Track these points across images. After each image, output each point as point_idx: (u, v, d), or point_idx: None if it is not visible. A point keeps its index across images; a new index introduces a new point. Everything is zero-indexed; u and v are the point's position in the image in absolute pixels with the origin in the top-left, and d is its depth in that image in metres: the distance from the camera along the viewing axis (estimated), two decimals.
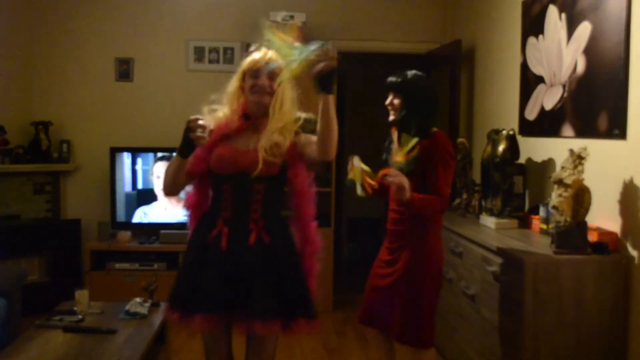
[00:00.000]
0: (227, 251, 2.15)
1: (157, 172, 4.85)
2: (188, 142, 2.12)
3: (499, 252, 2.82)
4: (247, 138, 2.23)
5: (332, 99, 2.01)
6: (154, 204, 4.83)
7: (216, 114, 2.33)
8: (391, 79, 2.66)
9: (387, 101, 2.67)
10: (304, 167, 2.26)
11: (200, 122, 2.07)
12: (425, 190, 2.49)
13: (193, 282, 2.17)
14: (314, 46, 1.94)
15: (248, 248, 2.14)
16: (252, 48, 2.29)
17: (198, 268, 2.18)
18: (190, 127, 2.08)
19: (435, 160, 2.50)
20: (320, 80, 1.96)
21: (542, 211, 3.15)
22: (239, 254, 2.14)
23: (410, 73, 2.64)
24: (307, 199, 2.26)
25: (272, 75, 2.20)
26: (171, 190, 2.27)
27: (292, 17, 4.70)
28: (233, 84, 2.32)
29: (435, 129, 2.61)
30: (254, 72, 2.23)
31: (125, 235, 4.71)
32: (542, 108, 3.39)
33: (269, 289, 2.12)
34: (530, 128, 3.54)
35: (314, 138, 2.12)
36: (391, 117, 2.67)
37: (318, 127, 2.04)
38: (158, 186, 4.82)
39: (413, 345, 2.53)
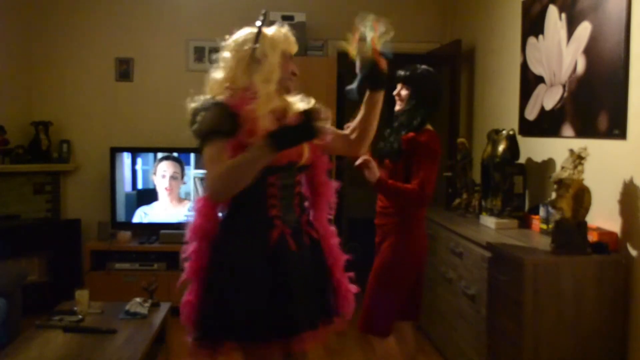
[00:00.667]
0: (297, 253, 1.91)
1: (162, 171, 4.86)
2: (305, 133, 1.75)
3: (499, 252, 2.82)
4: (273, 123, 1.89)
5: (381, 96, 2.04)
6: (154, 204, 4.83)
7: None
8: (401, 71, 2.75)
9: (395, 91, 2.76)
10: (326, 157, 2.11)
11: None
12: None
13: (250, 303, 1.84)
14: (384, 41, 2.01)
15: (306, 248, 1.96)
16: (260, 22, 2.02)
17: (268, 275, 1.86)
18: (316, 118, 1.73)
19: (419, 154, 2.58)
20: (377, 74, 1.97)
21: (542, 211, 3.15)
22: (303, 255, 1.94)
23: (421, 67, 2.76)
24: (328, 188, 2.10)
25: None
26: (232, 192, 1.79)
27: (292, 17, 4.70)
28: (271, 60, 1.92)
29: (428, 126, 2.69)
30: (290, 55, 2.00)
31: (125, 235, 4.71)
32: (542, 108, 3.39)
33: (316, 294, 1.95)
34: (530, 128, 3.54)
35: (340, 131, 2.13)
36: (397, 107, 2.77)
37: (359, 122, 2.05)
38: (162, 185, 4.84)
39: (371, 334, 2.69)
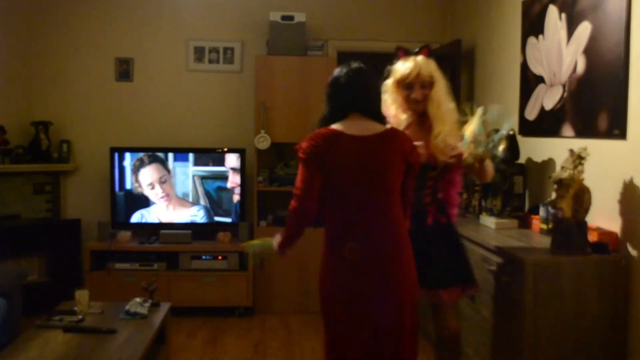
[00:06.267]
0: (413, 230, 2.36)
1: (147, 181, 4.77)
2: None
3: (499, 252, 2.82)
4: (414, 132, 2.49)
5: (487, 164, 2.57)
6: (152, 208, 4.82)
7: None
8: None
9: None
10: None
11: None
12: None
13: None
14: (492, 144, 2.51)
15: (427, 228, 2.52)
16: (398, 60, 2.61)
17: None
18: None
19: None
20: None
21: (542, 211, 3.15)
22: (420, 233, 2.44)
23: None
24: (457, 187, 2.65)
25: (424, 84, 2.50)
26: None
27: (292, 17, 4.70)
28: (389, 92, 2.58)
29: (331, 126, 2.35)
30: (407, 84, 2.52)
31: (125, 235, 4.71)
32: (542, 108, 3.39)
33: (450, 262, 2.51)
34: (530, 128, 3.54)
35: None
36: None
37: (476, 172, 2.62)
38: (156, 195, 4.77)
39: None
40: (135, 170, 4.78)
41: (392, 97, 2.57)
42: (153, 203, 4.80)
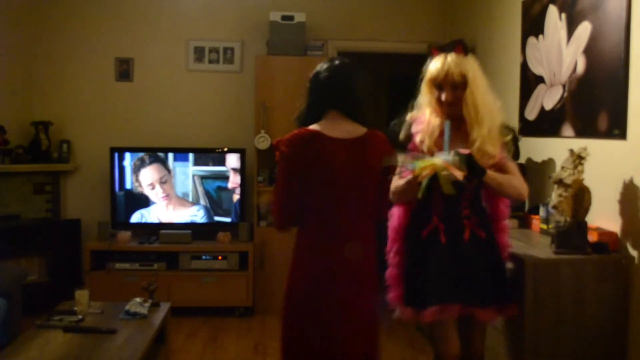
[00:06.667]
0: (446, 245, 2.25)
1: (148, 182, 4.77)
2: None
3: None
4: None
5: (488, 177, 2.18)
6: (152, 207, 4.82)
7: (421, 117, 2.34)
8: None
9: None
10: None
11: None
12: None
13: (419, 278, 2.27)
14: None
15: (464, 243, 2.27)
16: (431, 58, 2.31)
17: (421, 263, 2.28)
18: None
19: None
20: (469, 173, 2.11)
21: (542, 211, 3.15)
22: (456, 248, 2.25)
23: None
24: (504, 201, 2.40)
25: (455, 85, 2.22)
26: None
27: (292, 17, 4.70)
28: (422, 94, 2.33)
29: (311, 127, 2.31)
30: (437, 84, 2.26)
31: (125, 235, 4.71)
32: (542, 108, 3.39)
33: (487, 280, 2.27)
34: (530, 128, 3.54)
35: (513, 170, 2.31)
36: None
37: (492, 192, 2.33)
38: (157, 195, 4.77)
39: None
40: (136, 170, 4.78)
41: (426, 99, 2.30)
42: (153, 203, 4.80)
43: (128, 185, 4.80)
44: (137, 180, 4.78)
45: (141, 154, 4.78)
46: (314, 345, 2.22)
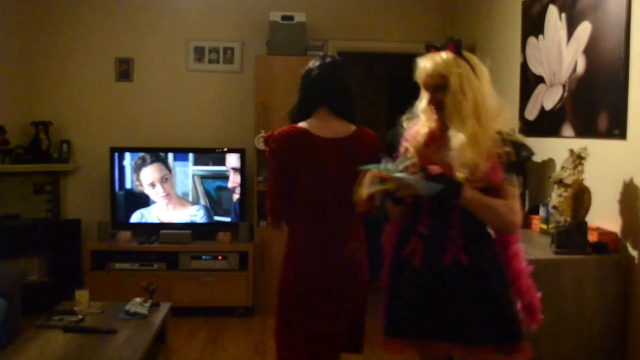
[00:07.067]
0: (421, 270, 1.99)
1: (148, 180, 4.78)
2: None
3: None
4: (436, 149, 2.02)
5: (465, 198, 1.89)
6: (152, 207, 4.82)
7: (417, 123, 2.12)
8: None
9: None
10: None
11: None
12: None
13: (393, 302, 2.08)
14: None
15: (443, 269, 1.96)
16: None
17: (395, 287, 2.08)
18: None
19: None
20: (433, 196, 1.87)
21: (542, 211, 3.15)
22: (433, 274, 1.98)
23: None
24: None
25: (437, 87, 1.99)
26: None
27: (292, 17, 4.70)
28: (420, 98, 2.11)
29: (299, 124, 2.33)
30: (423, 85, 2.05)
31: (125, 235, 4.71)
32: (542, 108, 3.39)
33: (478, 313, 1.93)
34: (530, 128, 3.54)
35: (510, 194, 1.95)
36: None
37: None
38: (157, 194, 4.77)
39: None
40: (137, 169, 4.79)
41: (421, 104, 2.10)
42: (153, 202, 4.80)
43: (128, 185, 4.80)
44: (138, 179, 4.78)
45: (142, 154, 4.78)
46: (307, 334, 2.24)
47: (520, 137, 2.17)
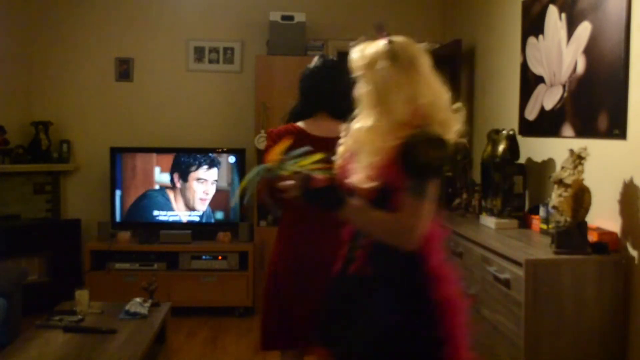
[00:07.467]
0: (335, 278, 1.88)
1: (197, 178, 4.80)
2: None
3: (499, 252, 2.81)
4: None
5: (348, 211, 1.68)
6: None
7: None
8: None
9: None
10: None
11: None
12: None
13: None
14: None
15: (346, 277, 1.81)
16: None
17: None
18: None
19: None
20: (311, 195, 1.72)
21: (542, 211, 3.15)
22: (339, 282, 1.86)
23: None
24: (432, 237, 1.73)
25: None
26: None
27: (292, 17, 4.70)
28: None
29: (296, 124, 2.39)
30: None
31: (125, 235, 4.71)
32: (542, 108, 3.39)
33: (356, 324, 1.75)
34: (530, 128, 3.54)
35: (406, 204, 1.62)
36: None
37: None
38: (199, 189, 4.79)
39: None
40: (197, 168, 4.82)
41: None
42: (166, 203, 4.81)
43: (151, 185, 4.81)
44: (188, 178, 4.82)
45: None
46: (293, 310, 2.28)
47: (464, 141, 1.95)
